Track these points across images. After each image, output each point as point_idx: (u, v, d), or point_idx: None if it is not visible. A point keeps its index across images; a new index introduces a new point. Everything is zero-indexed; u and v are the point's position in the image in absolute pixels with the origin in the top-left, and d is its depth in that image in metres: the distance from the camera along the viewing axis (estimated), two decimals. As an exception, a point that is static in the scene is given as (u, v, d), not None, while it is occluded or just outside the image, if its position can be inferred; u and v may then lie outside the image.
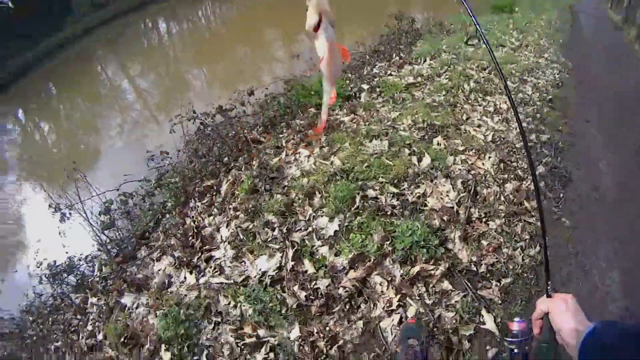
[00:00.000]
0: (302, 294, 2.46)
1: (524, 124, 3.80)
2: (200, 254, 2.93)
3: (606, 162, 4.03)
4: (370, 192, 2.90)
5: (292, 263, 2.59)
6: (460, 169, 3.05)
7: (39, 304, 3.68)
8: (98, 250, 3.77)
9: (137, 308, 2.86)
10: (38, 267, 3.69)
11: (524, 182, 3.14)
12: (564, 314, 0.97)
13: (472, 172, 3.05)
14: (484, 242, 2.68)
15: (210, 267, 2.80)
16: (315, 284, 2.50)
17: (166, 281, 2.89)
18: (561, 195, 3.24)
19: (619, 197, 3.48)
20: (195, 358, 2.38)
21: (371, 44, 7.11)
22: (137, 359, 2.54)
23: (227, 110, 4.38)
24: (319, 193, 2.99)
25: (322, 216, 2.83)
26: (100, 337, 2.82)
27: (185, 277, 2.83)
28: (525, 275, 2.60)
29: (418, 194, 2.85)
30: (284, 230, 2.79)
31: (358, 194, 2.86)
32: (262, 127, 4.28)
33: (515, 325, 1.14)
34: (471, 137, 3.46)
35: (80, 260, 3.76)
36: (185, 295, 2.68)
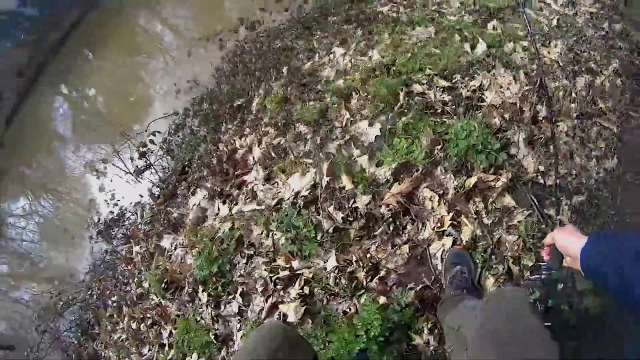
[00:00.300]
0: (339, 216, 2.15)
1: (593, 9, 3.12)
2: (233, 180, 2.75)
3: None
4: (416, 87, 2.39)
5: (328, 179, 2.27)
6: (522, 57, 2.46)
7: (95, 262, 3.92)
8: (140, 196, 3.86)
9: (175, 249, 2.82)
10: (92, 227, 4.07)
11: (598, 76, 2.57)
12: (567, 237, 1.04)
13: (537, 61, 2.46)
14: (553, 148, 2.17)
15: (243, 194, 2.61)
16: (354, 202, 2.16)
17: (200, 216, 2.79)
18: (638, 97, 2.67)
19: None
20: (230, 297, 2.33)
21: None
22: (179, 304, 2.57)
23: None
24: (356, 93, 2.53)
25: (360, 120, 2.41)
26: (146, 285, 2.88)
27: (218, 209, 2.70)
28: (601, 193, 2.15)
29: (473, 87, 2.31)
30: (318, 141, 2.44)
31: (402, 90, 2.37)
32: (295, 32, 3.80)
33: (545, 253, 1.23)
34: (533, 20, 2.81)
35: (127, 210, 3.94)
36: (219, 228, 2.53)
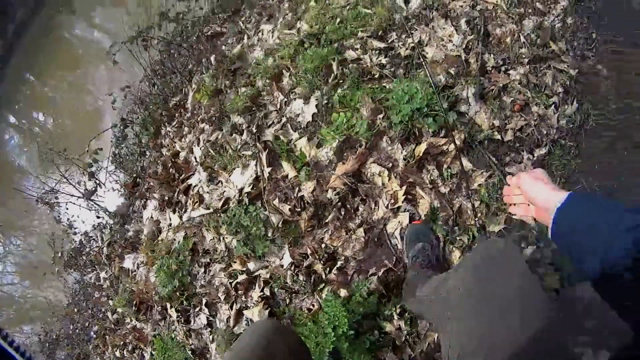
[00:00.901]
0: (286, 208, 2.06)
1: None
2: (179, 186, 2.65)
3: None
4: (350, 54, 2.22)
5: (269, 170, 2.16)
6: (462, 5, 2.31)
7: (72, 294, 3.82)
8: (97, 217, 3.78)
9: (138, 268, 2.78)
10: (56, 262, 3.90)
11: (546, 17, 2.45)
12: (537, 184, 0.92)
13: (479, 7, 2.32)
14: (507, 100, 2.05)
15: (190, 199, 2.52)
16: (299, 190, 2.08)
17: (154, 229, 2.72)
18: (594, 35, 2.57)
19: None
20: (197, 309, 2.30)
21: None
22: (152, 324, 2.55)
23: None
24: (287, 71, 2.38)
25: (295, 99, 2.28)
26: (120, 309, 2.81)
27: (170, 219, 2.62)
28: (564, 142, 2.04)
29: (412, 44, 2.13)
30: (254, 130, 2.29)
31: (334, 59, 2.19)
32: (221, 16, 3.59)
33: None
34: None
35: (88, 235, 3.82)
36: (174, 239, 2.49)
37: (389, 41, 2.20)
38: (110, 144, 3.82)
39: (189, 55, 3.43)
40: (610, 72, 2.47)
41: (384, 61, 2.10)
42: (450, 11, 2.27)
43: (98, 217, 3.73)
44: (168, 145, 2.97)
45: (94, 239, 3.72)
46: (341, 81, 2.13)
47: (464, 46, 2.12)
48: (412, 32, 2.16)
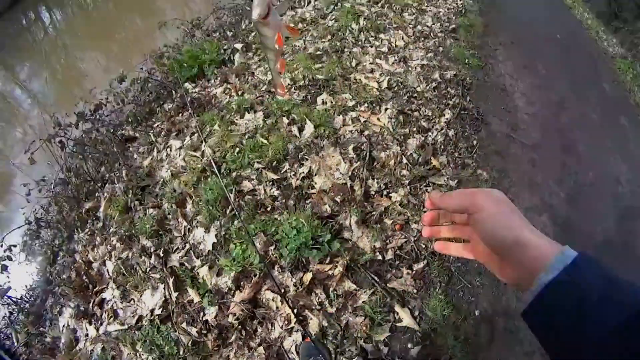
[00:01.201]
0: (194, 330, 2.19)
1: (425, 61, 3.44)
2: (93, 298, 2.68)
3: (521, 93, 3.87)
4: (246, 185, 2.47)
5: (176, 294, 2.29)
6: (351, 132, 2.64)
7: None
8: (9, 313, 3.50)
9: None
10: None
11: (430, 133, 2.83)
12: (502, 215, 0.59)
13: (366, 132, 2.66)
14: (388, 221, 2.36)
15: (105, 313, 2.54)
16: (204, 314, 2.21)
17: (72, 338, 2.65)
18: (475, 143, 2.97)
19: (541, 138, 3.34)
20: None
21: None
22: None
23: (96, 109, 3.81)
24: (190, 198, 2.59)
25: (197, 227, 2.47)
26: None
27: (86, 329, 2.60)
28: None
29: (302, 174, 2.43)
30: (161, 254, 2.46)
31: (231, 191, 2.43)
32: (134, 120, 3.79)
33: None
34: (363, 86, 3.04)
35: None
36: (92, 351, 2.45)
37: (282, 171, 2.47)
38: (22, 238, 3.78)
39: (103, 159, 3.56)
40: (489, 173, 2.87)
41: (276, 193, 2.36)
42: (340, 137, 2.60)
43: (11, 313, 3.52)
44: (81, 252, 3.05)
45: (7, 338, 3.64)
46: (237, 213, 2.38)
47: (350, 174, 2.43)
48: (304, 162, 2.47)
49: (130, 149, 3.38)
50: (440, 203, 0.65)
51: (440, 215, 0.71)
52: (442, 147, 2.78)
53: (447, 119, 2.97)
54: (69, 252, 3.21)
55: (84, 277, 2.82)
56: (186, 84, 3.82)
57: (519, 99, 3.75)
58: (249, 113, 2.92)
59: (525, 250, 0.55)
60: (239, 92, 3.25)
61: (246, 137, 2.66)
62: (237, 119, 2.89)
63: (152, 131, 3.33)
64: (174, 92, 3.88)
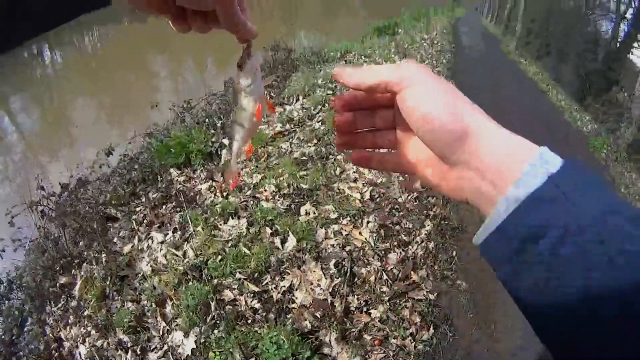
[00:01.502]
0: None
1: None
2: None
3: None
4: (227, 294, 2.50)
5: None
6: (333, 245, 2.75)
7: None
8: None
9: None
10: None
11: (410, 246, 2.95)
12: (441, 91, 0.42)
13: (348, 247, 2.77)
14: (367, 337, 2.40)
15: None
16: None
17: None
18: (454, 253, 3.09)
19: None
20: None
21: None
22: None
23: (80, 185, 3.97)
24: (171, 300, 2.59)
25: (176, 330, 2.46)
26: None
27: None
28: (421, 363, 2.36)
29: (284, 288, 2.49)
30: (138, 352, 2.42)
31: (212, 299, 2.46)
32: (117, 199, 3.84)
33: None
34: (346, 197, 3.20)
35: None
36: None
37: (264, 284, 2.53)
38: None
39: (82, 233, 3.55)
40: (469, 282, 2.95)
41: (257, 305, 2.41)
42: (322, 251, 2.69)
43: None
44: (52, 326, 2.98)
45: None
46: (218, 321, 2.37)
47: (330, 289, 2.50)
48: (285, 275, 2.55)
49: (111, 229, 3.39)
50: (352, 80, 0.47)
51: (357, 118, 0.52)
52: (422, 260, 2.87)
53: (427, 230, 3.10)
54: (39, 322, 3.15)
55: (54, 352, 2.76)
56: (172, 170, 3.92)
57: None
58: (232, 219, 3.01)
59: (482, 147, 0.40)
60: (224, 194, 3.36)
61: (229, 244, 2.74)
62: (220, 224, 2.98)
63: (134, 216, 3.37)
64: (159, 177, 3.96)
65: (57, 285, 3.26)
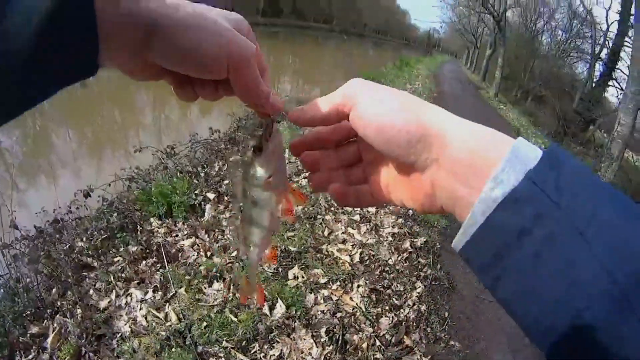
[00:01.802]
0: None
1: (396, 229, 3.66)
2: None
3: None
4: None
5: None
6: (323, 312, 2.68)
7: None
8: None
9: None
10: None
11: (402, 310, 2.90)
12: (390, 98, 0.41)
13: (339, 313, 2.71)
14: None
15: None
16: None
17: None
18: (446, 314, 3.05)
19: None
20: None
21: (227, 129, 6.60)
22: None
23: (57, 229, 3.78)
24: None
25: None
26: None
27: None
28: None
29: (273, 357, 2.40)
30: None
31: None
32: (94, 247, 3.64)
33: None
34: (335, 260, 3.16)
35: None
36: None
37: (252, 352, 2.44)
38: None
39: (56, 280, 3.38)
40: (462, 342, 2.90)
41: (245, 378, 2.34)
42: (312, 318, 2.63)
43: None
44: None
45: None
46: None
47: (322, 358, 2.43)
48: (275, 344, 2.47)
49: (87, 279, 3.24)
50: (306, 116, 0.46)
51: (324, 158, 0.50)
52: (415, 323, 2.82)
53: (418, 292, 3.06)
54: (7, 372, 2.99)
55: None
56: (153, 220, 3.82)
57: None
58: (217, 282, 2.94)
59: (450, 144, 0.37)
60: (208, 253, 3.30)
61: (214, 310, 2.65)
62: (205, 287, 2.90)
63: (112, 267, 3.25)
64: (139, 227, 3.82)
65: (28, 335, 3.03)
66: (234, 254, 3.20)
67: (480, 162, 0.35)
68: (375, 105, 0.40)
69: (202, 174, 4.66)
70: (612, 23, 21.08)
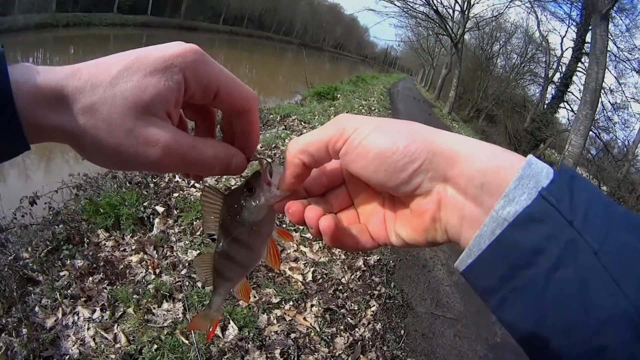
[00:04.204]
0: None
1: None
2: None
3: (442, 264, 4.20)
4: None
5: None
6: (277, 332, 2.69)
7: None
8: None
9: None
10: None
11: (357, 329, 2.94)
12: (386, 125, 0.41)
13: (293, 334, 2.72)
14: None
15: None
16: None
17: None
18: (402, 332, 3.11)
19: (464, 307, 3.56)
20: None
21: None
22: None
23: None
24: None
25: None
26: None
27: None
28: None
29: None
30: None
31: None
32: (39, 260, 3.45)
33: None
34: (287, 279, 3.18)
35: None
36: None
37: (205, 377, 2.43)
38: None
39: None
40: (418, 359, 2.96)
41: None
42: (266, 339, 2.62)
43: None
44: None
45: None
46: None
47: (275, 382, 2.44)
48: (227, 369, 2.45)
49: (32, 295, 3.10)
50: (296, 161, 0.43)
51: (310, 204, 0.45)
52: (371, 342, 2.86)
53: (373, 311, 3.11)
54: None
55: None
56: (100, 232, 3.72)
57: (439, 270, 4.05)
58: (167, 302, 2.90)
59: (460, 161, 0.37)
60: (157, 271, 3.24)
61: (165, 332, 2.61)
62: (154, 307, 2.84)
63: (58, 282, 3.11)
64: (86, 239, 3.66)
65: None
66: (184, 272, 3.16)
67: (492, 179, 0.35)
68: (374, 132, 0.39)
69: (152, 185, 4.57)
70: (566, 49, 22.34)
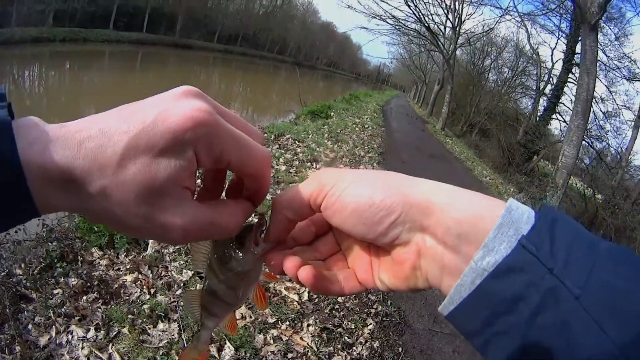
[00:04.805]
0: None
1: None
2: None
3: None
4: None
5: None
6: (273, 352, 2.68)
7: None
8: None
9: None
10: None
11: (354, 347, 2.93)
12: (365, 177, 0.42)
13: (290, 354, 2.71)
14: None
15: None
16: None
17: None
18: (400, 349, 3.10)
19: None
20: None
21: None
22: None
23: None
24: None
25: None
26: None
27: None
28: None
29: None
30: None
31: None
32: (32, 277, 3.41)
33: None
34: (282, 298, 3.18)
35: None
36: None
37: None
38: None
39: None
40: None
41: None
42: (263, 359, 2.61)
43: None
44: None
45: None
46: None
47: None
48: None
49: (26, 312, 3.07)
50: (280, 216, 0.45)
51: (300, 256, 0.47)
52: (368, 361, 2.87)
53: (370, 329, 3.10)
54: None
55: None
56: (94, 250, 3.69)
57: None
58: (162, 322, 2.89)
59: (437, 210, 0.37)
60: (152, 290, 3.23)
61: (160, 352, 2.60)
62: (149, 328, 2.83)
63: (51, 300, 3.07)
64: (80, 257, 3.62)
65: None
66: (179, 292, 3.16)
67: (469, 229, 0.35)
68: (350, 187, 0.41)
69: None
70: (557, 61, 22.63)
